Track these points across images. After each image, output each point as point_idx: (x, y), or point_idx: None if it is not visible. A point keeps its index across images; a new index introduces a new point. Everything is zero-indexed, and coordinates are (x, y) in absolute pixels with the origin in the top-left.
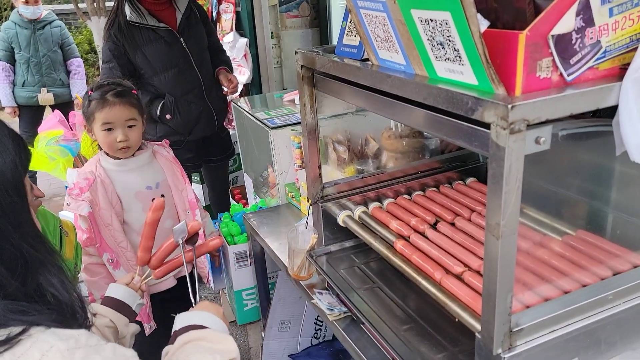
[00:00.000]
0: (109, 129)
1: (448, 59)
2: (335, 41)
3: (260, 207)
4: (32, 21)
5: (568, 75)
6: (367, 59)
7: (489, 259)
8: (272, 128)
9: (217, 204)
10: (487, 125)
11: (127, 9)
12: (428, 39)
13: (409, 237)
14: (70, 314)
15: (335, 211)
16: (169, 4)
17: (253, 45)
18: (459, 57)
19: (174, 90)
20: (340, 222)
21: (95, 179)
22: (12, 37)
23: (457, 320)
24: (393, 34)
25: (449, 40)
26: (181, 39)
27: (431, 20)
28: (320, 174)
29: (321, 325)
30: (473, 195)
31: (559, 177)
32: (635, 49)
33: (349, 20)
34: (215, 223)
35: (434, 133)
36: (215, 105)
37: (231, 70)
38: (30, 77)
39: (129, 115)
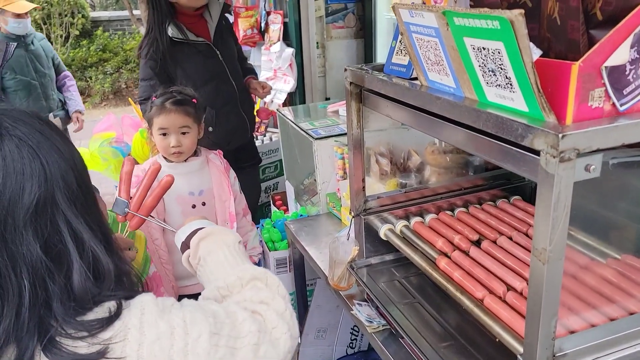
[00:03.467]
0: (164, 134)
1: (499, 85)
2: (379, 52)
3: (301, 215)
4: (19, 37)
5: (621, 105)
6: (416, 78)
7: (534, 282)
8: (316, 139)
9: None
10: (536, 152)
11: (170, 28)
12: (479, 66)
13: (451, 254)
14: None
15: (377, 224)
16: (200, 16)
17: (298, 55)
18: (510, 84)
19: (214, 103)
20: (381, 235)
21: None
22: None
23: (497, 340)
24: (444, 58)
25: (501, 68)
26: (217, 51)
27: (483, 49)
28: (364, 187)
29: (357, 335)
30: (517, 214)
31: (606, 199)
32: None
33: (399, 40)
34: (256, 228)
35: (481, 155)
36: (248, 114)
37: (256, 76)
38: (33, 103)
39: (182, 122)
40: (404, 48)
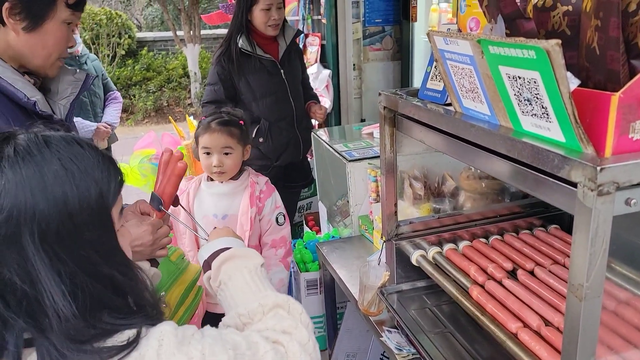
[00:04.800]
0: (208, 153)
1: (535, 114)
2: (416, 75)
3: (333, 237)
4: (75, 57)
5: None
6: (450, 104)
7: (570, 319)
8: (349, 161)
9: None
10: (573, 184)
11: (240, 40)
12: (515, 94)
13: (484, 284)
14: (157, 315)
15: (409, 250)
16: (274, 39)
17: (335, 76)
18: (547, 114)
19: (269, 117)
20: (413, 261)
21: (186, 190)
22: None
23: None
24: (479, 85)
25: (537, 98)
26: (282, 70)
27: (519, 78)
28: (396, 212)
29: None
30: (555, 243)
31: None
32: None
33: (433, 66)
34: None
35: (516, 185)
36: (303, 135)
37: (318, 103)
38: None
39: (225, 143)
40: (438, 74)
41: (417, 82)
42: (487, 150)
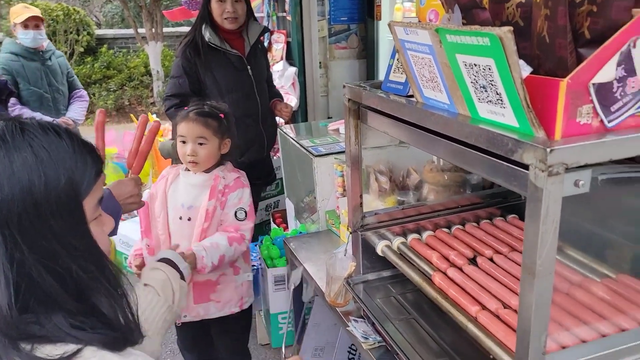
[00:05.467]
0: (184, 142)
1: (490, 101)
2: (381, 73)
3: (301, 232)
4: (38, 51)
5: (609, 122)
6: (412, 96)
7: (525, 296)
8: (316, 156)
9: None
10: (526, 166)
11: (207, 32)
12: (471, 82)
13: (446, 271)
14: (122, 337)
15: (375, 240)
16: (239, 34)
17: (301, 74)
18: (501, 100)
19: (235, 113)
20: (378, 251)
21: (166, 176)
22: (18, 69)
23: (491, 357)
24: (438, 75)
25: (492, 84)
26: (248, 66)
27: (475, 65)
28: (361, 203)
29: (354, 355)
30: (513, 232)
31: (603, 219)
32: None
33: (396, 59)
34: (255, 245)
35: (474, 170)
36: (268, 132)
37: (282, 101)
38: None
39: (199, 133)
40: (400, 66)
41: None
42: (447, 138)
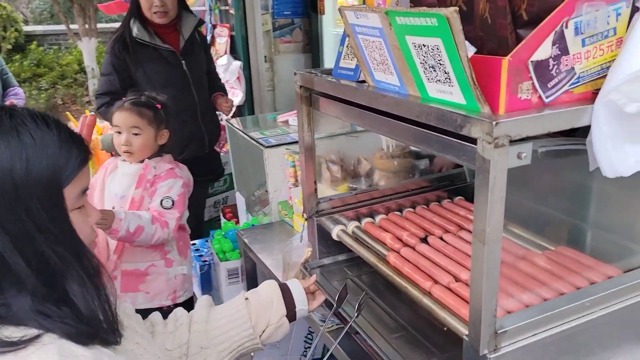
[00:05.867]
0: (119, 132)
1: (439, 80)
2: (327, 66)
3: (253, 225)
4: None
5: (546, 97)
6: (363, 81)
7: (476, 263)
8: (266, 147)
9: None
10: (474, 141)
11: (135, 27)
12: (421, 63)
13: (400, 250)
14: (89, 331)
15: (330, 226)
16: (174, 28)
17: (247, 69)
18: (449, 79)
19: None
20: (334, 236)
21: (106, 167)
22: None
23: (445, 329)
24: (389, 57)
25: (440, 64)
26: (183, 61)
27: (424, 46)
28: (315, 189)
29: (310, 344)
30: (460, 212)
31: (542, 195)
32: (606, 76)
33: (345, 45)
34: (206, 241)
35: (425, 148)
36: (208, 129)
37: (226, 95)
38: None
39: (133, 122)
40: (350, 52)
41: None
42: (399, 118)
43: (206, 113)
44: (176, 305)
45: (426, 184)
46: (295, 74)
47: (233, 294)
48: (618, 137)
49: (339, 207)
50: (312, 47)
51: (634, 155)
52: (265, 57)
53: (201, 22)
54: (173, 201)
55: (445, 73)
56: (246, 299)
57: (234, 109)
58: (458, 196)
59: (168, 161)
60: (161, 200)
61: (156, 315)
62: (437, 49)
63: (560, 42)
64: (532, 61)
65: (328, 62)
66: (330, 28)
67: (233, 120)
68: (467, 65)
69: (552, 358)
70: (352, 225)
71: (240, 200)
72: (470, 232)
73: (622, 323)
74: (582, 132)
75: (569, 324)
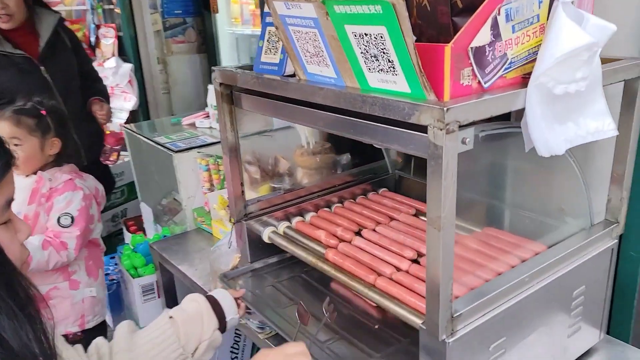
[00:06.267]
0: None
1: (382, 70)
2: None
3: (165, 236)
4: None
5: (485, 82)
6: (290, 75)
7: (432, 250)
8: (176, 152)
9: None
10: (422, 128)
11: None
12: (362, 52)
13: (337, 247)
14: None
15: (259, 228)
16: (27, 29)
17: (138, 71)
18: (393, 67)
19: None
20: (265, 238)
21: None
22: None
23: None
24: (324, 48)
25: (384, 53)
26: (42, 67)
27: (365, 35)
28: (243, 191)
29: (237, 354)
30: (388, 203)
31: (461, 179)
32: (533, 60)
33: (266, 40)
34: (111, 257)
35: (369, 140)
36: (83, 140)
37: (107, 100)
38: None
39: (11, 133)
40: (272, 47)
41: None
42: (338, 111)
43: (80, 123)
44: (84, 332)
45: (351, 179)
46: (213, 70)
47: (150, 312)
48: (550, 117)
49: (265, 208)
50: (207, 47)
51: (562, 134)
52: (157, 58)
53: (61, 20)
54: (72, 217)
55: (389, 62)
56: (170, 317)
57: (126, 115)
58: (382, 188)
59: (68, 171)
60: (58, 218)
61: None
62: (381, 37)
63: (495, 28)
64: (472, 47)
65: (225, 62)
66: (226, 27)
67: (132, 126)
68: (413, 52)
69: (500, 335)
70: (282, 226)
71: (146, 211)
72: (401, 221)
73: (551, 294)
74: (506, 117)
75: (513, 299)
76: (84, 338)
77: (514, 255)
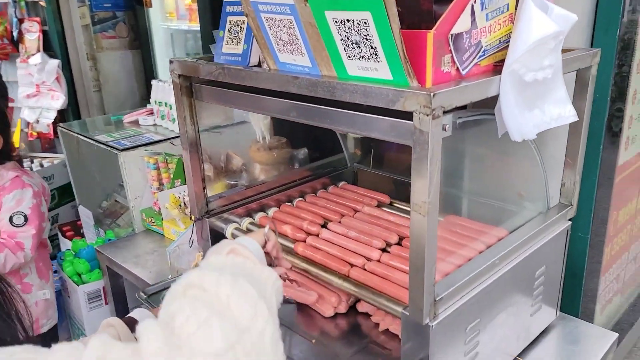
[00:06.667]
0: None
1: (363, 57)
2: (159, 62)
3: (110, 240)
4: None
5: (463, 69)
6: (256, 65)
7: (416, 235)
8: (122, 150)
9: None
10: (404, 116)
11: None
12: (342, 39)
13: (305, 240)
14: None
15: (221, 225)
16: None
17: (66, 68)
18: (376, 54)
19: None
20: (228, 235)
21: None
22: None
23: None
24: (299, 36)
25: (366, 39)
26: None
27: (347, 21)
28: (204, 187)
29: None
30: (349, 196)
31: None
32: (505, 48)
33: (227, 30)
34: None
35: (345, 129)
36: None
37: (5, 99)
38: None
39: None
40: (235, 37)
41: (161, 72)
42: (312, 100)
43: None
44: (39, 337)
45: (310, 173)
46: (171, 61)
47: (96, 320)
48: (521, 104)
49: (226, 205)
50: (141, 42)
51: (531, 120)
52: (87, 54)
53: None
54: (25, 216)
55: (372, 48)
56: None
57: (54, 114)
58: (341, 181)
59: (12, 168)
60: (10, 218)
61: None
62: (365, 23)
63: (472, 16)
64: (452, 34)
65: (160, 58)
66: (160, 22)
67: (67, 125)
68: (398, 38)
69: (475, 316)
70: (246, 222)
71: (85, 215)
72: (364, 213)
73: (517, 275)
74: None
75: (486, 282)
76: (39, 344)
77: (479, 241)
